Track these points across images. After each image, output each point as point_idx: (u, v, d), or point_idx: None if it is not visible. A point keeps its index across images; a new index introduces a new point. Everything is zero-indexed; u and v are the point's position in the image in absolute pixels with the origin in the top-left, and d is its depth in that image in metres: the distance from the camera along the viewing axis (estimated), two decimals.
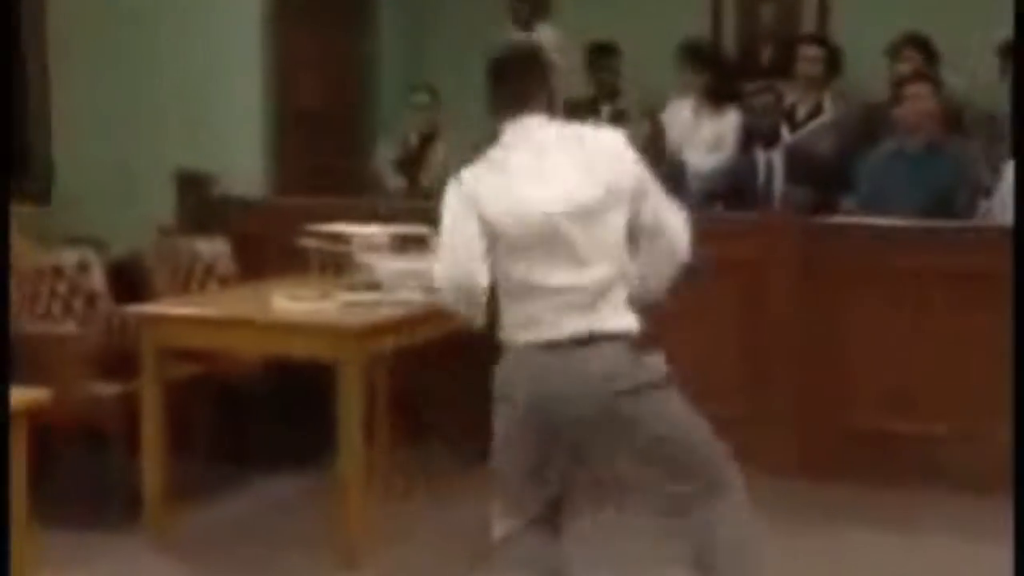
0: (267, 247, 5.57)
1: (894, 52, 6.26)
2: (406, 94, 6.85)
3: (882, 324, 5.19)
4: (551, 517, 3.45)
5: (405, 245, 4.81)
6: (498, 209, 3.27)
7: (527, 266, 3.24)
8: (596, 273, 3.24)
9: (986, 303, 4.97)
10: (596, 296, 3.24)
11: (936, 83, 5.73)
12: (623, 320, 3.27)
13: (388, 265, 4.73)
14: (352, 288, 4.67)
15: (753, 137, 6.12)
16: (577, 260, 3.23)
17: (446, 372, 5.23)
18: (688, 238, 3.35)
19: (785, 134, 6.16)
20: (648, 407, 3.28)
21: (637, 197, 3.28)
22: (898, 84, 5.74)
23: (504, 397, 3.32)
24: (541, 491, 3.38)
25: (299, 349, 4.55)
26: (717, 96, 6.49)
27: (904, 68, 6.01)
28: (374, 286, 4.67)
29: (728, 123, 6.45)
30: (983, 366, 5.00)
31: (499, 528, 3.44)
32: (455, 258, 3.32)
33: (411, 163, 6.65)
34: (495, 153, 3.37)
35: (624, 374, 3.24)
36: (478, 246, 3.28)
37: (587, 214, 3.23)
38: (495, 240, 3.27)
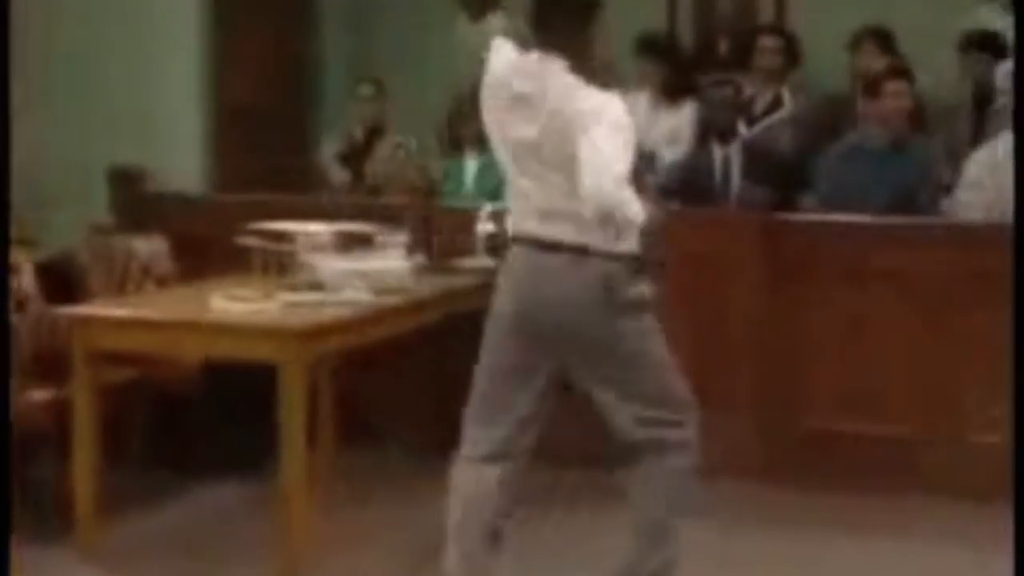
0: (207, 246, 5.55)
1: (855, 45, 6.29)
2: (351, 88, 6.83)
3: (844, 323, 5.20)
4: (501, 458, 3.75)
5: (350, 243, 4.81)
6: None
7: None
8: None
9: (949, 301, 5.01)
10: None
11: (911, 78, 5.76)
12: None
13: (332, 264, 4.72)
14: (295, 288, 4.66)
15: (710, 131, 6.11)
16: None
17: (397, 373, 5.27)
18: (598, 181, 3.48)
19: (742, 129, 6.17)
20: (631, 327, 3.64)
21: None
22: (875, 80, 5.73)
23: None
24: (498, 428, 3.72)
25: (239, 351, 4.52)
26: (674, 89, 6.48)
27: (874, 62, 6.02)
28: (318, 286, 4.66)
29: (685, 117, 6.44)
30: (949, 366, 5.02)
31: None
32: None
33: (356, 158, 6.63)
34: None
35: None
36: None
37: None
38: None
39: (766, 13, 7.06)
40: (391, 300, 4.73)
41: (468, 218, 5.26)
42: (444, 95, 6.24)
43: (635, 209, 3.52)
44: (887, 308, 5.13)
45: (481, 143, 5.57)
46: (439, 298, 4.93)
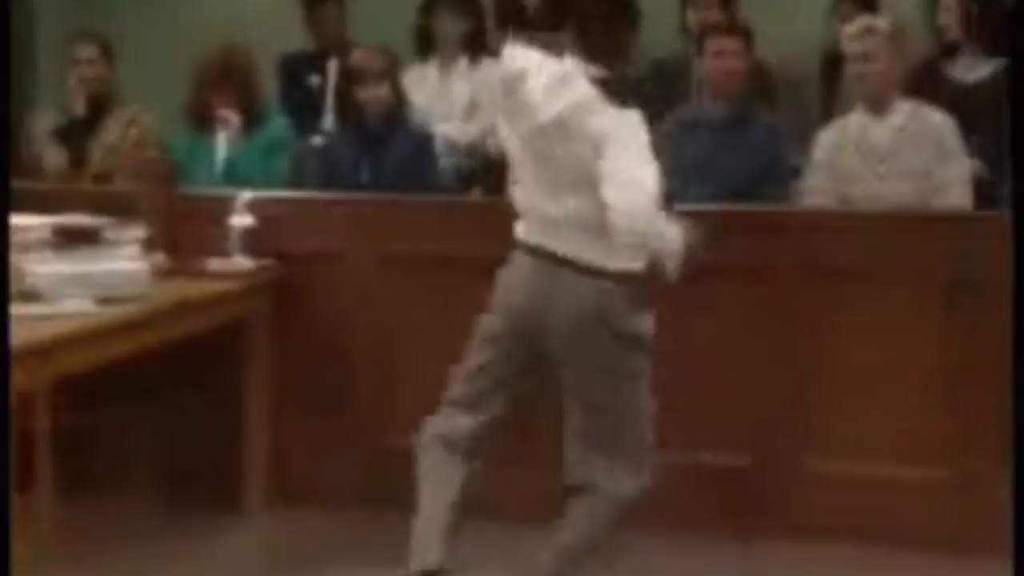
0: None
1: None
2: (68, 48, 6.43)
3: (670, 332, 4.95)
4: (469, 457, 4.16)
5: (71, 241, 4.58)
6: None
7: None
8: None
9: (792, 304, 4.92)
10: None
11: (748, 37, 5.70)
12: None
13: (48, 268, 4.49)
14: None
15: None
16: None
17: (131, 404, 5.12)
18: (630, 208, 3.84)
19: None
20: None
21: None
22: (700, 35, 5.70)
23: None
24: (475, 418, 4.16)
25: None
26: (474, 51, 6.43)
27: (709, 15, 6.00)
28: (30, 296, 4.41)
29: (485, 82, 6.26)
30: (795, 380, 4.95)
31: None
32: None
33: (77, 135, 6.26)
34: None
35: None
36: None
37: None
38: None
39: None
40: (124, 312, 4.53)
41: (219, 209, 5.19)
42: (187, 57, 5.97)
43: (672, 234, 3.93)
44: (721, 315, 4.99)
45: (236, 119, 5.59)
46: (184, 308, 4.84)
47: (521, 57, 4.20)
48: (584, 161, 3.95)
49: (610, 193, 3.86)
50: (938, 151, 5.21)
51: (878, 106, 5.28)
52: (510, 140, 4.19)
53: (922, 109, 5.32)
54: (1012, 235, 4.34)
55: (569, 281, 4.04)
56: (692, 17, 6.23)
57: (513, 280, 4.19)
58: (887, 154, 5.26)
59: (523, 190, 4.17)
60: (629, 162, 3.87)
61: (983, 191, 5.29)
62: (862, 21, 5.39)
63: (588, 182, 3.92)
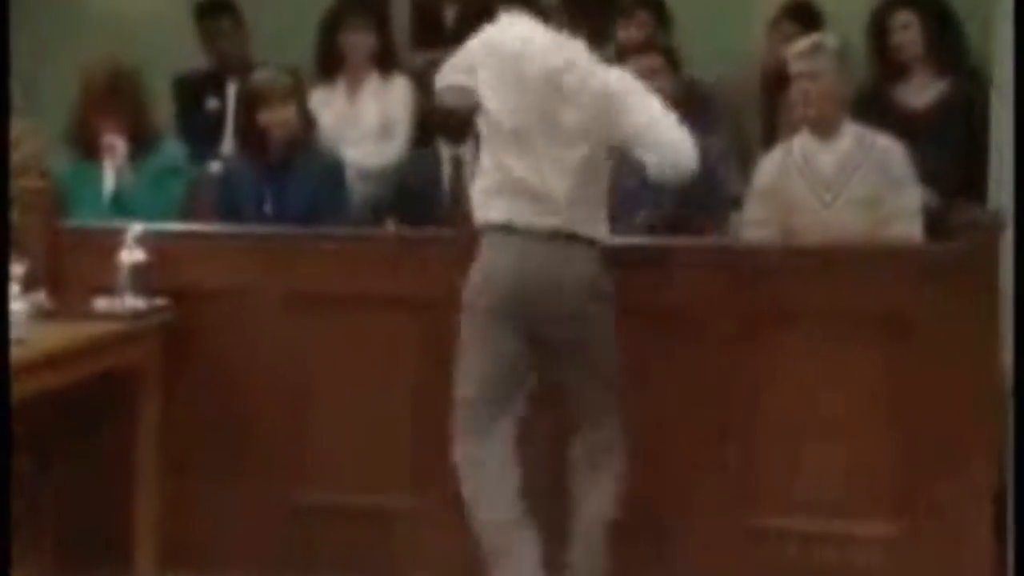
0: None
1: (623, 13, 6.02)
2: None
3: None
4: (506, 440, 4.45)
5: None
6: None
7: None
8: None
9: (733, 346, 4.83)
10: None
11: (671, 56, 5.66)
12: None
13: None
14: None
15: (436, 125, 5.89)
16: None
17: (18, 454, 4.64)
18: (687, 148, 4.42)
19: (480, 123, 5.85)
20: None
21: None
22: (620, 54, 5.53)
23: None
24: (497, 406, 4.41)
25: None
26: (384, 67, 6.35)
27: (628, 34, 5.96)
28: None
29: (399, 103, 6.29)
30: (714, 433, 4.82)
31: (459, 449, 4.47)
32: None
33: None
34: None
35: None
36: None
37: None
38: None
39: None
40: None
41: (108, 243, 5.04)
42: (72, 75, 5.81)
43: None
44: (645, 359, 4.81)
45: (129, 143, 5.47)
46: (68, 353, 4.67)
47: (519, 24, 4.49)
48: (586, 127, 4.31)
49: (667, 143, 4.34)
50: (887, 178, 5.12)
51: (824, 129, 5.18)
52: (502, 114, 4.37)
53: (870, 134, 5.23)
54: (1013, 245, 4.43)
55: (570, 256, 4.35)
56: (622, 35, 6.01)
57: (500, 266, 4.37)
58: (833, 181, 5.15)
59: (519, 167, 4.36)
60: (660, 111, 4.35)
61: (933, 221, 5.19)
62: (811, 38, 5.30)
63: (589, 150, 4.33)
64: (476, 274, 4.45)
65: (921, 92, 5.83)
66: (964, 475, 4.58)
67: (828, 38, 5.30)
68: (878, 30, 5.98)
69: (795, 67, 5.23)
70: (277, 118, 5.55)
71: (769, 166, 5.33)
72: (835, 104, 5.20)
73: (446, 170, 5.88)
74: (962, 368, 4.56)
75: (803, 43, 5.28)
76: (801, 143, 5.27)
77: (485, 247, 4.44)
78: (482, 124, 4.50)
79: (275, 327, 5.10)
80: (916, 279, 4.72)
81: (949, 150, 5.59)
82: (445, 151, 5.89)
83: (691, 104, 5.58)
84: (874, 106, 5.64)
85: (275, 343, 5.11)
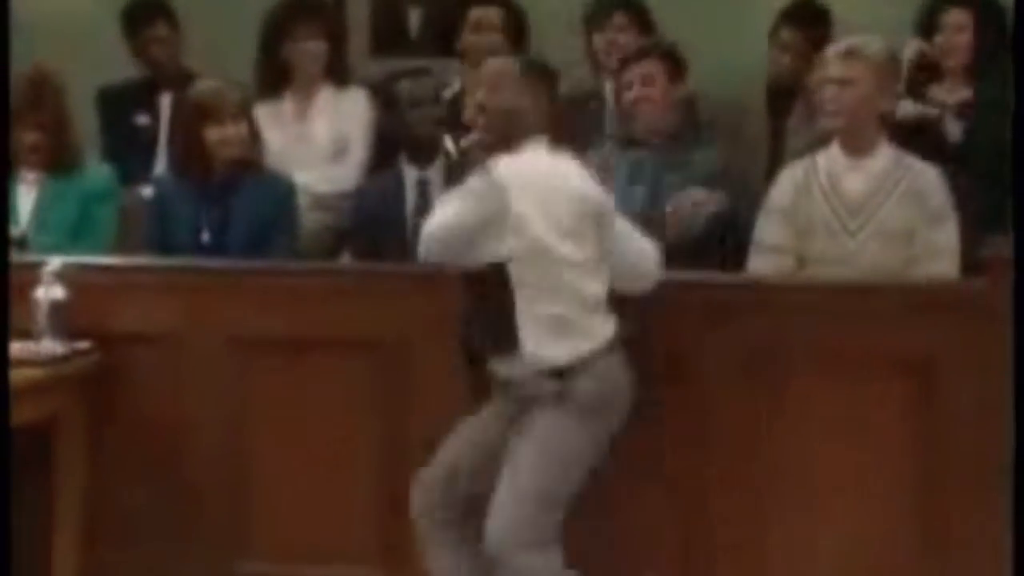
0: None
1: (595, 19, 6.19)
2: None
3: None
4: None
5: None
6: None
7: None
8: None
9: (738, 397, 4.77)
10: None
11: (676, 61, 5.64)
12: None
13: None
14: None
15: (398, 144, 5.81)
16: None
17: None
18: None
19: (448, 143, 5.75)
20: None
21: None
22: (621, 63, 5.66)
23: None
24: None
25: None
26: (338, 79, 6.24)
27: (621, 37, 6.02)
28: None
29: (355, 120, 6.21)
30: (712, 493, 4.81)
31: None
32: None
33: None
34: None
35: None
36: None
37: None
38: None
39: None
40: None
41: (23, 279, 4.96)
42: None
43: None
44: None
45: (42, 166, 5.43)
46: None
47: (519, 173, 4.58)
48: (604, 239, 4.59)
49: (647, 255, 4.69)
50: (923, 210, 5.03)
51: (855, 146, 5.10)
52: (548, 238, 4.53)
53: (907, 157, 5.12)
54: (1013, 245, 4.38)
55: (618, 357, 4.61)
56: (599, 40, 6.11)
57: (623, 384, 4.59)
58: (861, 207, 5.04)
59: (597, 284, 4.60)
60: (631, 229, 4.69)
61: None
62: (848, 41, 5.23)
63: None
64: (606, 385, 4.57)
65: (950, 97, 5.82)
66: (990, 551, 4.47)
67: (871, 42, 5.20)
68: (926, 29, 5.94)
69: (827, 71, 5.20)
70: (227, 136, 5.42)
71: (787, 183, 5.25)
72: (869, 118, 5.12)
73: (410, 196, 5.81)
74: (990, 424, 4.48)
75: (839, 45, 5.24)
76: (827, 160, 5.19)
77: (606, 362, 4.56)
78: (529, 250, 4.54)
79: (214, 374, 5.02)
80: (940, 319, 4.67)
81: (977, 167, 5.52)
82: (410, 173, 5.82)
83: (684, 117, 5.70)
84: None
85: (215, 392, 5.02)
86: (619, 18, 6.19)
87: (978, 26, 5.83)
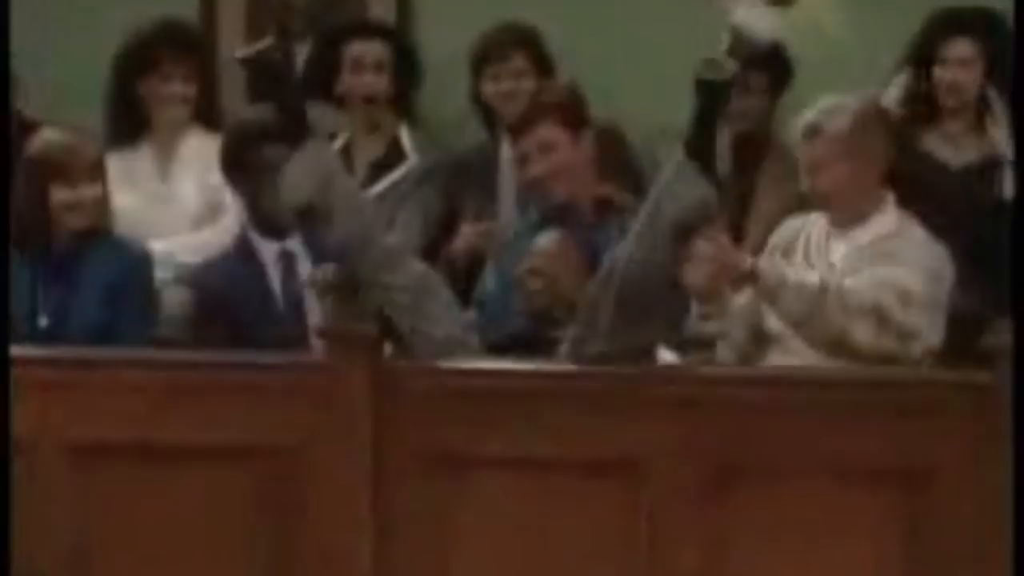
0: None
1: (487, 62, 5.96)
2: None
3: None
4: None
5: None
6: None
7: None
8: None
9: (696, 508, 4.45)
10: None
11: (575, 105, 5.46)
12: None
13: None
14: None
15: (256, 213, 5.35)
16: None
17: None
18: None
19: None
20: None
21: None
22: (518, 123, 5.45)
23: None
24: None
25: None
26: (209, 125, 5.80)
27: (520, 86, 5.84)
28: None
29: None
30: None
31: None
32: None
33: None
34: None
35: None
36: None
37: None
38: None
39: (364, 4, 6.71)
40: None
41: None
42: None
43: None
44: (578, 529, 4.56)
45: None
46: None
47: None
48: None
49: None
50: (910, 288, 4.67)
51: (840, 222, 4.86)
52: None
53: (912, 225, 4.87)
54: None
55: None
56: (491, 88, 5.92)
57: None
58: (843, 272, 4.76)
59: None
60: None
61: (961, 338, 4.81)
62: (807, 115, 4.95)
63: None
64: None
65: (959, 147, 5.58)
66: None
67: (837, 110, 4.92)
68: (921, 60, 5.68)
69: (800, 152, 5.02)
70: (80, 199, 5.06)
71: (787, 231, 5.08)
72: (856, 194, 4.85)
73: (272, 272, 5.37)
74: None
75: (799, 122, 4.99)
76: (822, 221, 4.98)
77: None
78: None
79: (58, 490, 4.65)
80: (933, 419, 4.43)
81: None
82: (267, 248, 5.38)
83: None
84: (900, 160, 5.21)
85: (59, 513, 4.67)
86: (519, 61, 5.97)
87: (988, 56, 5.55)
